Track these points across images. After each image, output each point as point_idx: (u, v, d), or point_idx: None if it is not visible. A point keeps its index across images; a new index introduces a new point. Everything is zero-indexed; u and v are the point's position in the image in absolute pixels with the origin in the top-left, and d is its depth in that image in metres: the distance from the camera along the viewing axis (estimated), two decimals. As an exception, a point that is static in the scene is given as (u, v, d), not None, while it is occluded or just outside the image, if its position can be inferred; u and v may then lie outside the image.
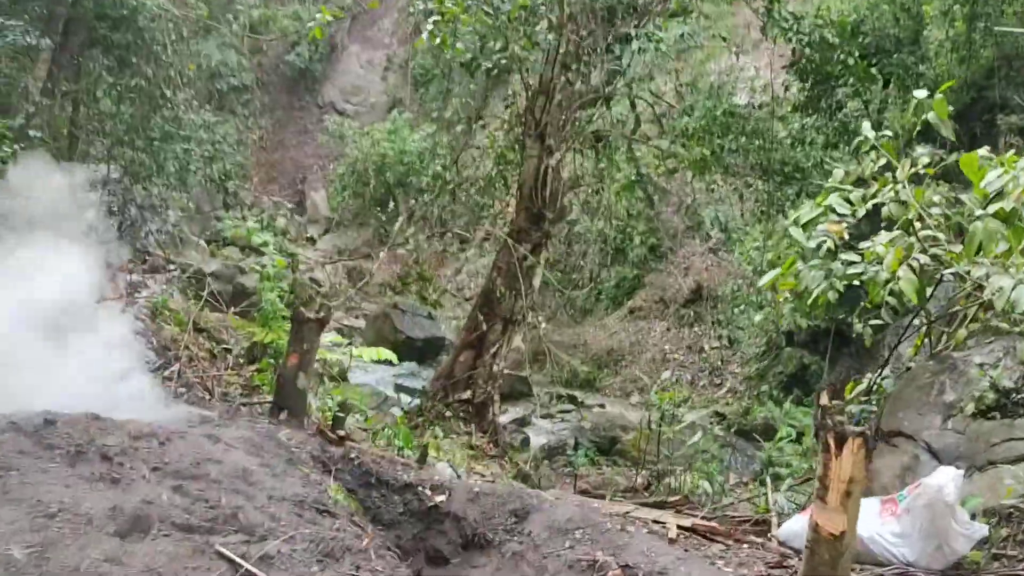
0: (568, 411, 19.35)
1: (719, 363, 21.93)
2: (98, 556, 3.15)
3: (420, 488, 6.46)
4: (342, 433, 7.18)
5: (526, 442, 15.60)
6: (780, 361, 20.65)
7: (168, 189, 19.32)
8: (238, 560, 3.32)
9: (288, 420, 7.30)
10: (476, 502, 6.37)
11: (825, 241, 7.04)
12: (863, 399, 7.23)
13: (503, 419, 17.00)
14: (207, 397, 8.10)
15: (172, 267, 26.33)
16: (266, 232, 23.98)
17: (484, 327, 13.91)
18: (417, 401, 14.09)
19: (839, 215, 7.11)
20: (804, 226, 7.37)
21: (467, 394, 13.77)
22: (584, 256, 27.01)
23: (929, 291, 7.15)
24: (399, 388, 17.54)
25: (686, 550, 5.65)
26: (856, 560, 5.68)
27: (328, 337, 9.45)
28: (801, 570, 4.43)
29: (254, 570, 3.29)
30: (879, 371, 8.18)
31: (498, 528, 6.17)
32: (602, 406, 19.94)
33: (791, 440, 11.33)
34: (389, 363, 20.41)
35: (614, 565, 5.41)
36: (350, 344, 9.88)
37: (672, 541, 5.84)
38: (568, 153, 15.27)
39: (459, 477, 7.82)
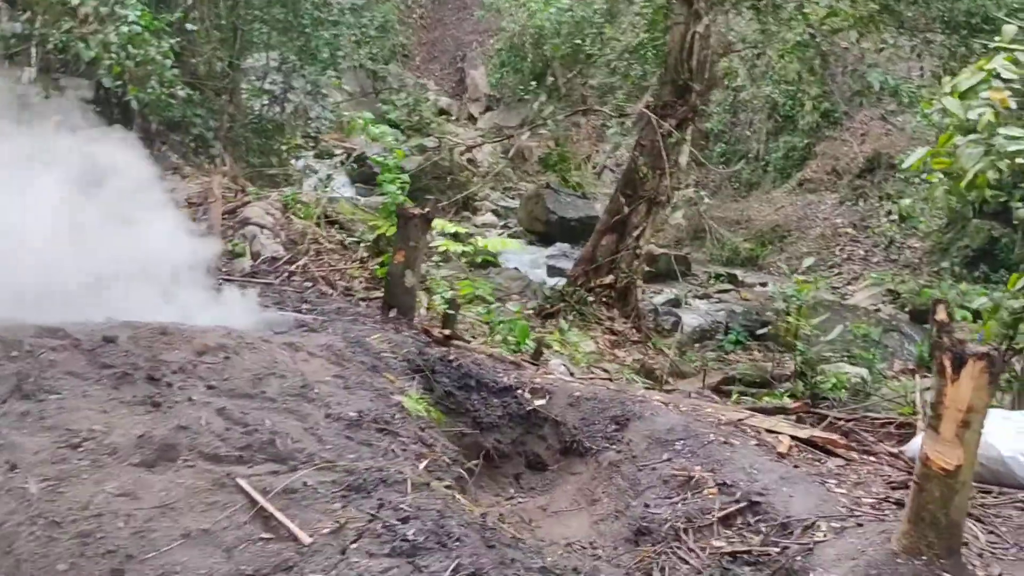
0: (726, 291, 18.60)
1: (895, 237, 20.32)
2: (112, 490, 3.12)
3: (519, 392, 6.24)
4: (447, 332, 7.03)
5: (677, 325, 15.09)
6: (966, 234, 18.89)
7: (323, 74, 19.59)
8: (254, 495, 3.21)
9: (397, 319, 7.23)
10: (577, 407, 6.09)
11: (986, 112, 6.01)
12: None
13: (656, 300, 16.56)
14: (330, 292, 8.16)
15: (339, 152, 26.99)
16: (402, 109, 24.00)
17: (626, 209, 13.35)
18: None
19: (1005, 81, 6.03)
20: (963, 95, 6.33)
21: (609, 279, 13.38)
22: (750, 126, 25.44)
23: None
24: (552, 271, 17.38)
25: (796, 466, 5.16)
26: (993, 482, 5.02)
27: (447, 228, 9.23)
28: (907, 508, 3.88)
29: (268, 505, 3.17)
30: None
31: (597, 435, 5.88)
32: (764, 284, 19.03)
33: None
34: (541, 245, 20.39)
35: (711, 482, 5.03)
36: (468, 235, 9.57)
37: (781, 455, 5.35)
38: (721, 16, 14.08)
39: (571, 375, 7.56)
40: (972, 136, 6.17)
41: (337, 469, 3.57)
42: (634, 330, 13.07)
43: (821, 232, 21.32)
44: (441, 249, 9.55)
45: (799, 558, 3.99)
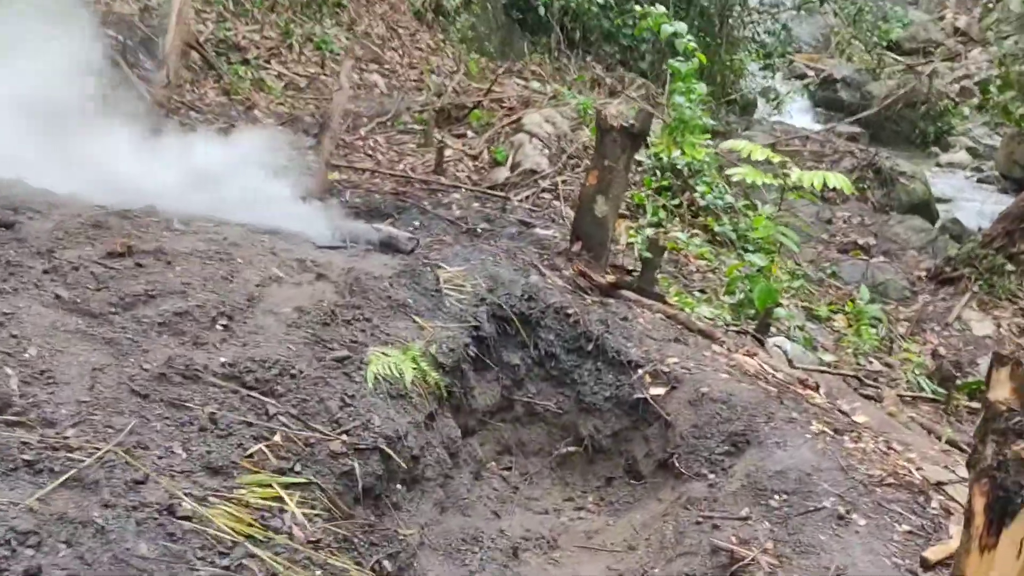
0: None
1: None
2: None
3: (640, 370, 4.64)
4: (611, 278, 5.52)
5: None
6: None
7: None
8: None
9: (579, 254, 5.91)
10: (698, 407, 4.33)
11: None
12: None
13: None
14: (546, 213, 7.06)
15: (810, 75, 24.45)
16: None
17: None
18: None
19: None
20: None
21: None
22: None
23: None
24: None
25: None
26: None
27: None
28: None
29: None
30: None
31: (701, 455, 4.12)
32: None
33: None
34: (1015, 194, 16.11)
35: (760, 576, 3.14)
36: (783, 164, 7.45)
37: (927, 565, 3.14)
38: None
39: (788, 361, 5.49)
40: None
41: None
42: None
43: None
44: (736, 179, 7.74)
45: None
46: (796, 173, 7.24)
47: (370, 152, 8.37)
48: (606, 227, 5.98)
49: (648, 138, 6.62)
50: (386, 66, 12.54)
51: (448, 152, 8.46)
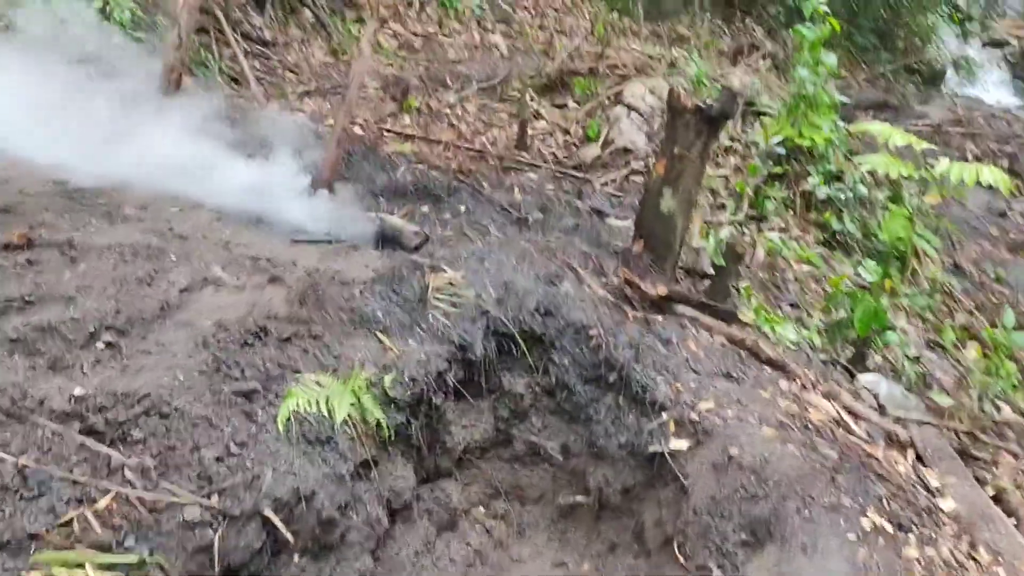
0: None
1: None
2: None
3: (665, 414, 3.75)
4: (662, 290, 4.57)
5: None
6: None
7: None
8: None
9: (639, 256, 5.02)
10: (721, 474, 3.41)
11: None
12: None
13: None
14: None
15: (1011, 42, 21.77)
16: None
17: None
18: None
19: None
20: None
21: None
22: None
23: None
24: None
25: None
26: None
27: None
28: None
29: None
30: None
31: (711, 541, 3.21)
32: None
33: None
34: None
35: None
36: (924, 154, 6.12)
37: None
38: None
39: (877, 407, 4.36)
40: None
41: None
42: None
43: None
44: (866, 169, 6.55)
45: None
46: (943, 164, 5.95)
47: (455, 121, 7.67)
48: (673, 225, 5.04)
49: (730, 121, 5.57)
50: (514, 26, 11.77)
51: (541, 125, 7.64)
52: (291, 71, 9.02)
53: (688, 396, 3.82)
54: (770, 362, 4.47)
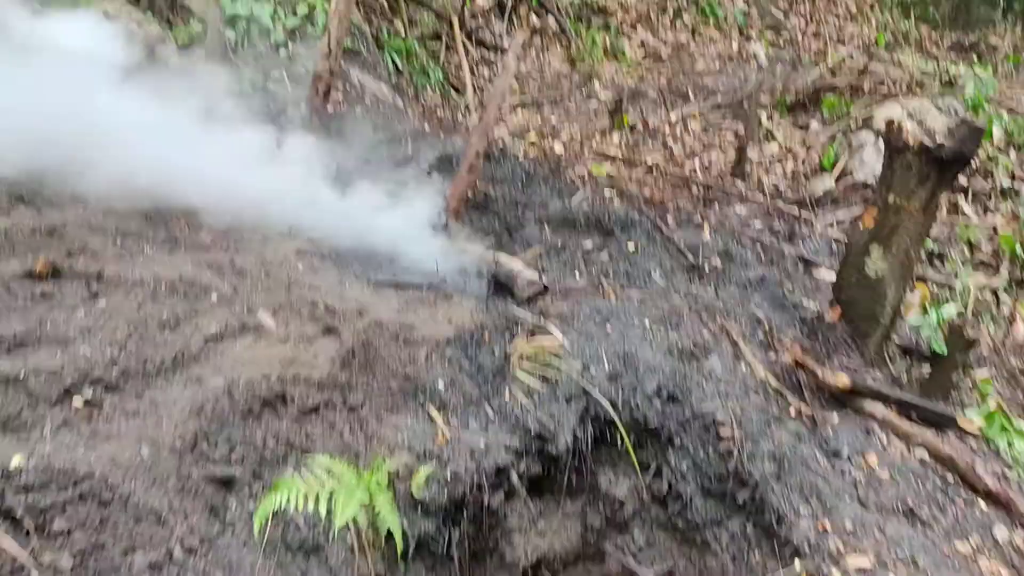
0: None
1: None
2: None
3: (798, 563, 2.77)
4: (843, 381, 3.45)
5: None
6: None
7: None
8: None
9: (832, 327, 3.96)
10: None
11: None
12: None
13: None
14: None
15: None
16: None
17: None
18: None
19: None
20: None
21: None
22: None
23: None
24: None
25: None
26: None
27: None
28: None
29: None
30: None
31: None
32: None
33: None
34: None
35: None
36: None
37: None
38: None
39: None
40: None
41: None
42: None
43: None
44: None
45: None
46: None
47: (671, 141, 6.81)
48: (881, 292, 3.93)
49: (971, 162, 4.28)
50: (784, 34, 10.57)
51: (772, 148, 6.57)
52: (517, 79, 8.60)
53: (836, 541, 2.81)
54: (989, 494, 3.28)
